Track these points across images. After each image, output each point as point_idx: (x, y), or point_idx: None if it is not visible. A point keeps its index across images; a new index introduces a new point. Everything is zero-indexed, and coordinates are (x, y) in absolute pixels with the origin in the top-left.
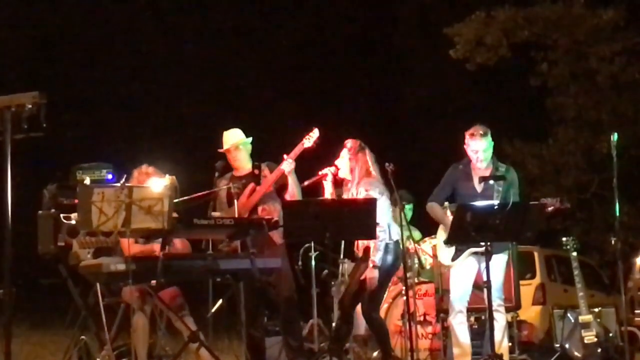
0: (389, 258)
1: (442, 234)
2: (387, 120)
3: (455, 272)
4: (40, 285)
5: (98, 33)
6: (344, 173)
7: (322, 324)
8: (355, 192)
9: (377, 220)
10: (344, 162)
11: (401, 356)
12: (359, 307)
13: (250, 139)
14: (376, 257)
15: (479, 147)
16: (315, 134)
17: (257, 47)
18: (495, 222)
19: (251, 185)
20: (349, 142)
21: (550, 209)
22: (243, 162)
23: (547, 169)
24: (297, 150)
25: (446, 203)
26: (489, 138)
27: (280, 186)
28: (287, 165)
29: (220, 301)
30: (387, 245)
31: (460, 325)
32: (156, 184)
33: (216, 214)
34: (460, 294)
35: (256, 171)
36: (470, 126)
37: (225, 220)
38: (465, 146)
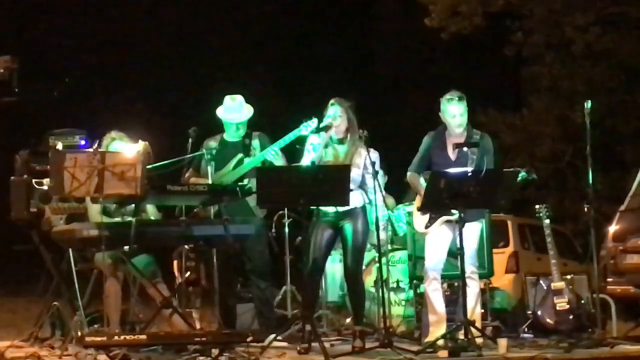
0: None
1: (419, 202)
2: (361, 88)
3: (429, 239)
4: (12, 251)
5: None
6: (339, 131)
7: (296, 291)
8: (355, 150)
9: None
10: (342, 120)
11: (374, 323)
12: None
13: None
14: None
15: (456, 111)
16: (313, 123)
17: (232, 14)
18: (469, 190)
19: (239, 156)
20: (343, 101)
21: (519, 178)
22: (241, 132)
23: (522, 139)
24: (291, 136)
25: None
26: (465, 103)
27: (270, 162)
28: (273, 157)
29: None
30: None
31: (434, 293)
32: (129, 149)
33: (196, 179)
34: (434, 262)
35: (247, 141)
36: (444, 95)
37: (199, 186)
38: (440, 113)
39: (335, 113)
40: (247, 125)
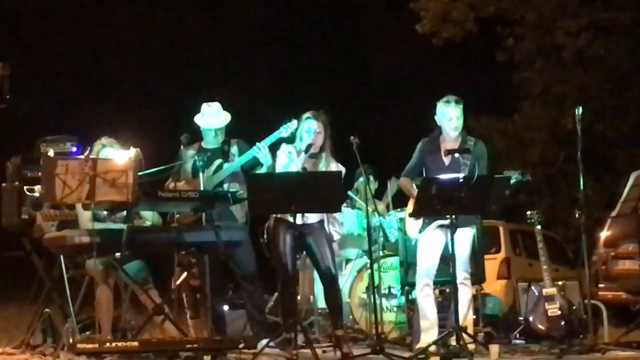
0: None
1: (411, 207)
2: (353, 95)
3: (422, 245)
4: (3, 258)
5: (63, 4)
6: (316, 146)
7: None
8: (326, 166)
9: None
10: (319, 134)
11: (366, 329)
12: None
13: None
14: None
15: (453, 114)
16: (293, 125)
17: (224, 20)
18: (460, 195)
19: (218, 161)
20: (319, 115)
21: (512, 180)
22: (220, 139)
23: (513, 144)
24: (271, 138)
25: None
26: (462, 107)
27: (249, 168)
28: (260, 153)
29: (184, 274)
30: None
31: (426, 299)
32: (120, 156)
33: (180, 184)
34: (426, 267)
35: (225, 147)
36: (436, 100)
37: (190, 192)
38: (436, 116)
39: (312, 128)
40: (225, 132)
